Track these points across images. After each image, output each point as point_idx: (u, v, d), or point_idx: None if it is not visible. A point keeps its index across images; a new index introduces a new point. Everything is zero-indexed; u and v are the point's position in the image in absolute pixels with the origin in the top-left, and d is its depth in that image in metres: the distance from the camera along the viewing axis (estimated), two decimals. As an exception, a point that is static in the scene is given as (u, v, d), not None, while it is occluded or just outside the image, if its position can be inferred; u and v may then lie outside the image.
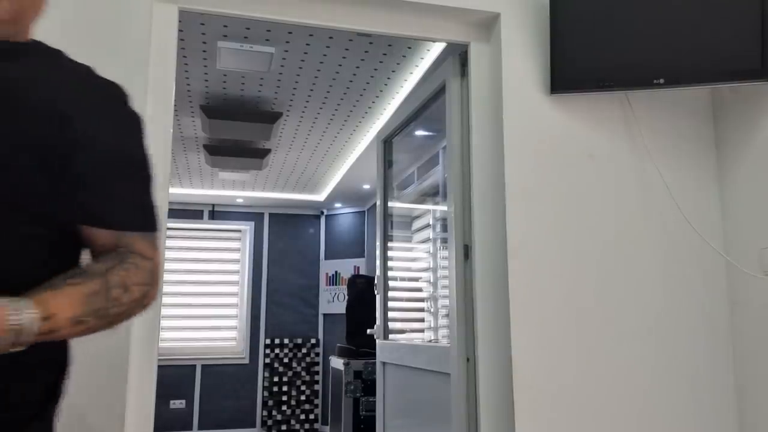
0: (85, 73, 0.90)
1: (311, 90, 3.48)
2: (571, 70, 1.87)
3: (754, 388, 1.88)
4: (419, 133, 3.24)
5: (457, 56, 2.18)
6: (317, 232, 6.67)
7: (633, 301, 1.93)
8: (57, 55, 0.90)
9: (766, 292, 1.83)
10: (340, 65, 3.16)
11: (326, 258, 6.56)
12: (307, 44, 2.90)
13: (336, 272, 6.46)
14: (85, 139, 0.82)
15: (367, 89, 3.50)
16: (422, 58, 3.14)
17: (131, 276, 0.83)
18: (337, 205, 6.55)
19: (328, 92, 3.52)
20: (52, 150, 0.80)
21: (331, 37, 2.80)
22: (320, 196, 6.18)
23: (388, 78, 3.36)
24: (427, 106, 2.60)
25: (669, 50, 1.83)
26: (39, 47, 0.89)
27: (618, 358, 1.88)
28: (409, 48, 3.00)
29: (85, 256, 0.89)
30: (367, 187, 5.71)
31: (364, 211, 6.59)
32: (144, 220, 0.89)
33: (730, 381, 1.96)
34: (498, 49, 1.99)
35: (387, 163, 3.17)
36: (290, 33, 2.75)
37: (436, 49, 2.94)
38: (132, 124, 0.91)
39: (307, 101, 3.65)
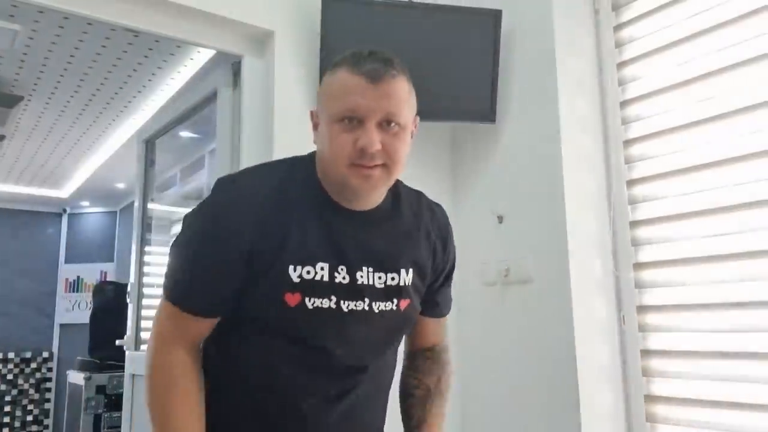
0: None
1: (61, 76, 3.15)
2: (338, 95, 2.01)
3: (473, 387, 2.22)
4: (185, 134, 3.14)
5: (230, 66, 2.19)
6: (57, 232, 5.96)
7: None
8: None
9: (484, 300, 2.18)
10: (99, 54, 2.92)
11: (67, 262, 5.89)
12: (61, 27, 2.62)
13: (78, 278, 5.84)
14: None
15: (128, 83, 3.28)
16: (191, 59, 3.06)
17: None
18: (84, 203, 5.95)
19: (82, 80, 3.21)
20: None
21: (89, 24, 2.58)
22: (63, 192, 5.55)
23: (153, 74, 3.20)
24: (195, 110, 2.55)
25: (421, 89, 2.03)
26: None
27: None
28: (178, 47, 2.90)
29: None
30: (121, 186, 5.29)
31: (115, 212, 6.08)
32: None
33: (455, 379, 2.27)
34: (271, 66, 2.05)
35: (148, 163, 3.01)
36: (41, 12, 2.47)
37: (206, 51, 2.90)
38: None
39: (56, 88, 3.29)
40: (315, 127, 1.03)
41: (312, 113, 1.05)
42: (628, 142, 1.99)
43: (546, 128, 2.00)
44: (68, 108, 3.59)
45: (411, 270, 1.06)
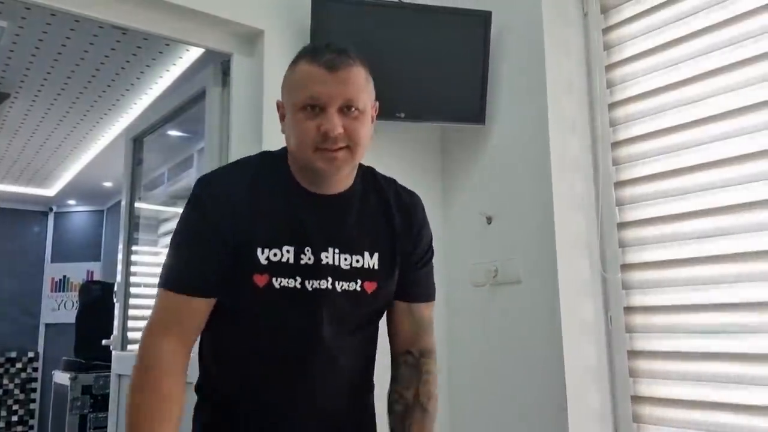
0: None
1: (48, 74, 3.12)
2: (328, 95, 2.01)
3: (461, 388, 2.23)
4: (173, 133, 3.12)
5: (219, 65, 2.18)
6: (43, 230, 5.91)
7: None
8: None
9: (473, 301, 2.19)
10: (86, 51, 2.90)
11: (53, 261, 5.84)
12: (48, 24, 2.60)
13: (65, 277, 5.79)
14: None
15: (115, 81, 3.26)
16: (180, 57, 3.05)
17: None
18: (71, 202, 5.90)
19: (69, 78, 3.18)
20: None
21: (77, 21, 2.56)
22: (50, 191, 5.50)
23: (141, 72, 3.18)
24: (184, 109, 2.54)
25: (411, 90, 2.08)
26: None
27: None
28: (167, 45, 2.88)
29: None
30: (108, 184, 5.25)
31: (102, 211, 6.04)
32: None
33: (444, 379, 2.28)
34: (261, 65, 2.05)
35: (136, 161, 2.99)
36: (28, 9, 2.44)
37: (196, 49, 2.88)
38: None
39: (42, 85, 3.26)
40: (282, 118, 1.10)
41: (278, 104, 1.12)
42: (616, 144, 2.00)
43: (535, 130, 2.00)
44: (55, 106, 3.56)
45: (376, 254, 1.11)
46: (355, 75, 1.03)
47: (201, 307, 1.04)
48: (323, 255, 1.06)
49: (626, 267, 1.94)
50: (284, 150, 1.12)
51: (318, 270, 1.06)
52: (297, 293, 1.05)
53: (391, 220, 1.13)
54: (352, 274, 1.09)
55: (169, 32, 2.00)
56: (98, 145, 4.31)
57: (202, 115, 2.26)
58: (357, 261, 1.09)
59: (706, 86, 1.78)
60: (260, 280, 1.03)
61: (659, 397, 1.82)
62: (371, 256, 1.10)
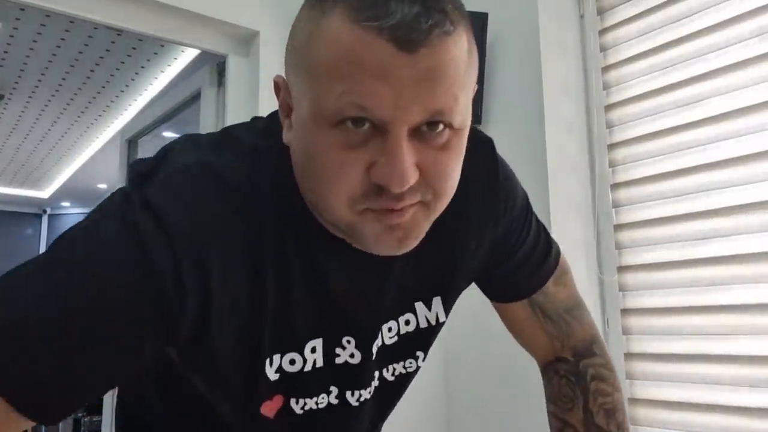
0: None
1: (42, 75, 3.11)
2: (324, 96, 2.01)
3: (458, 391, 2.22)
4: (168, 134, 3.11)
5: (215, 66, 2.17)
6: (37, 233, 5.88)
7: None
8: None
9: (470, 302, 2.18)
10: (81, 53, 2.89)
11: (47, 263, 5.82)
12: (42, 25, 2.59)
13: (59, 279, 5.77)
14: None
15: (110, 83, 3.25)
16: (175, 59, 3.04)
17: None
18: (65, 204, 5.88)
19: (63, 79, 3.17)
20: None
21: (72, 22, 2.55)
22: (44, 193, 5.48)
23: (136, 73, 3.18)
24: (179, 110, 2.53)
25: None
26: None
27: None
28: (162, 46, 2.88)
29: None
30: (102, 186, 5.23)
31: (97, 213, 6.02)
32: None
33: (440, 380, 2.28)
34: (256, 66, 2.04)
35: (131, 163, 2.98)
36: (22, 10, 2.43)
37: (191, 50, 2.88)
38: None
39: (37, 86, 3.24)
40: (285, 111, 0.58)
41: (278, 84, 0.60)
42: (613, 146, 2.00)
43: (531, 131, 2.00)
44: (49, 107, 3.55)
45: (437, 298, 0.69)
46: (455, 55, 0.48)
47: None
48: (375, 345, 0.63)
49: (623, 269, 1.93)
50: (284, 147, 0.57)
51: (366, 370, 0.63)
52: (333, 412, 0.63)
53: (468, 234, 0.69)
54: (404, 346, 0.68)
55: (164, 33, 1.99)
56: (93, 147, 4.30)
57: (197, 116, 2.25)
58: (407, 323, 0.66)
59: (704, 88, 1.78)
60: (269, 408, 0.59)
61: (656, 399, 1.81)
62: (429, 304, 0.68)
